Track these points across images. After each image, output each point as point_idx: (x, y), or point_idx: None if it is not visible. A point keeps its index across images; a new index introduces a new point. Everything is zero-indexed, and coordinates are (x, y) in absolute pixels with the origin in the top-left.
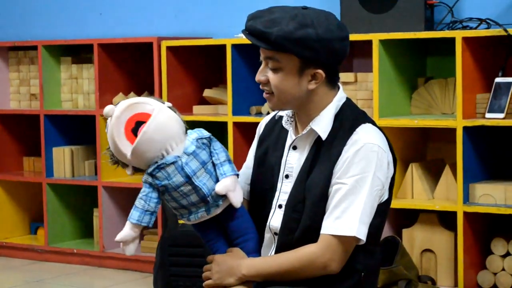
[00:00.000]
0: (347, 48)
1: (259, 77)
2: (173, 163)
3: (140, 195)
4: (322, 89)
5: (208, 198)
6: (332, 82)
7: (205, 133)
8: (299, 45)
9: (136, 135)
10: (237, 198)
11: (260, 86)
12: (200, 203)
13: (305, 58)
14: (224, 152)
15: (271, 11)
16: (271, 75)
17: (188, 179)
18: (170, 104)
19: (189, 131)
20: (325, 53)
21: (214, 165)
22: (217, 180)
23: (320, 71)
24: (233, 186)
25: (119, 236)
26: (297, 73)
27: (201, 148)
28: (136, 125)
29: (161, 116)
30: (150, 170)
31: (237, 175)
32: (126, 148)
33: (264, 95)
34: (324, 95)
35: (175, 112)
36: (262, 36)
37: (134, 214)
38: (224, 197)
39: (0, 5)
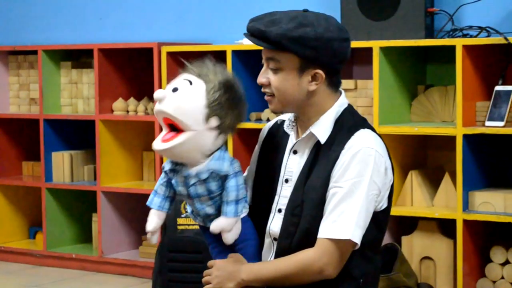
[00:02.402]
0: (347, 49)
1: (260, 79)
2: (184, 176)
3: (160, 181)
4: (322, 91)
5: (204, 219)
6: (333, 85)
7: (226, 168)
8: (298, 44)
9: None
10: (230, 238)
11: (262, 89)
12: (197, 215)
13: (304, 57)
14: (235, 192)
15: (272, 13)
16: (272, 76)
17: (190, 197)
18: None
19: (221, 154)
20: (324, 53)
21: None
22: (219, 208)
23: (320, 71)
24: (228, 227)
25: (151, 227)
26: (297, 73)
27: (214, 180)
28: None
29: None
30: (167, 167)
31: (239, 216)
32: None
33: (266, 97)
34: (325, 97)
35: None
36: (262, 35)
37: (156, 201)
38: None
39: (0, 10)
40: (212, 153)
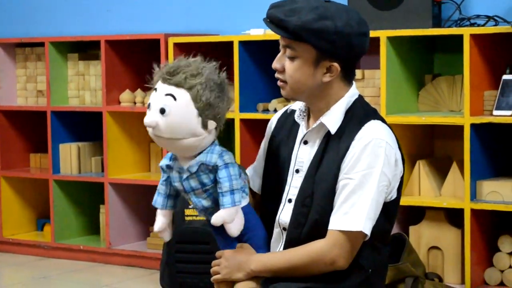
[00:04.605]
0: (365, 44)
1: (275, 64)
2: (177, 171)
3: (160, 180)
4: (336, 83)
5: (204, 212)
6: (348, 78)
7: (214, 160)
8: (316, 36)
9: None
10: (234, 229)
11: (275, 74)
12: (196, 209)
13: (321, 50)
14: (228, 182)
15: (294, 1)
16: (287, 63)
17: (186, 192)
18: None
19: (210, 147)
20: (342, 47)
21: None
22: (215, 201)
23: (335, 64)
24: (229, 218)
25: (157, 228)
26: (312, 64)
27: (204, 173)
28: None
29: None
30: (164, 163)
31: (238, 205)
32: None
33: (278, 83)
34: (338, 89)
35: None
36: (281, 24)
37: (159, 200)
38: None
39: (7, 2)
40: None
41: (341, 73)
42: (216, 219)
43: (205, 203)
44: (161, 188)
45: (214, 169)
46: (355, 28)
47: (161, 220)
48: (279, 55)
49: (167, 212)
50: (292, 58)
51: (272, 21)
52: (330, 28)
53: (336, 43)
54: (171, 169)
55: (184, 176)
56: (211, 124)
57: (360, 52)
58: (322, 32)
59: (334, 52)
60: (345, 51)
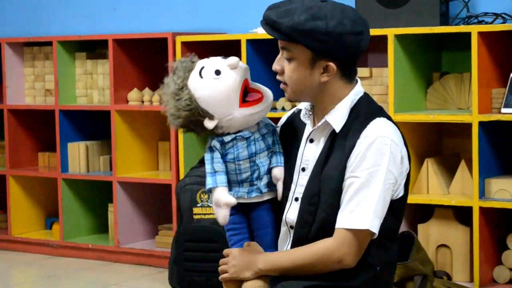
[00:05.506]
0: (361, 43)
1: (275, 66)
2: (246, 138)
3: (215, 160)
4: (336, 82)
5: (258, 181)
6: (348, 76)
7: (271, 122)
8: (308, 37)
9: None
10: (281, 190)
11: (277, 76)
12: (247, 183)
13: (315, 50)
14: (281, 144)
15: (291, 1)
16: (285, 65)
17: (252, 156)
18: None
19: None
20: (334, 46)
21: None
22: (269, 167)
23: (331, 64)
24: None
25: (233, 201)
26: (309, 64)
27: (269, 134)
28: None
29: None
30: (227, 139)
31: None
32: (234, 106)
33: (281, 86)
34: (339, 88)
35: None
36: (274, 26)
37: (220, 179)
38: (269, 188)
39: (15, 1)
40: None
41: (339, 73)
42: (277, 172)
43: (266, 167)
44: (219, 167)
45: (273, 132)
46: (349, 27)
47: (230, 197)
48: (278, 56)
49: (226, 189)
50: (289, 60)
51: (267, 23)
52: (321, 28)
53: (328, 43)
54: (236, 140)
55: (255, 137)
56: None
57: (356, 51)
58: (313, 32)
59: (328, 52)
60: (339, 51)
